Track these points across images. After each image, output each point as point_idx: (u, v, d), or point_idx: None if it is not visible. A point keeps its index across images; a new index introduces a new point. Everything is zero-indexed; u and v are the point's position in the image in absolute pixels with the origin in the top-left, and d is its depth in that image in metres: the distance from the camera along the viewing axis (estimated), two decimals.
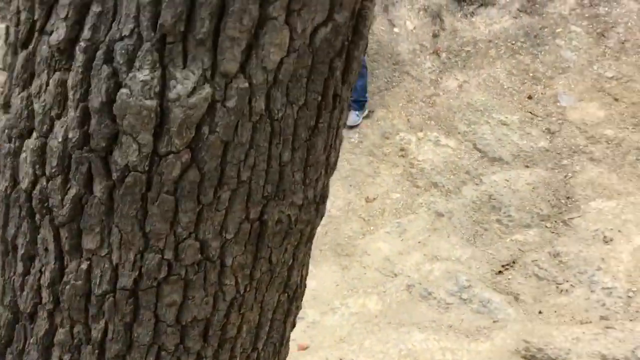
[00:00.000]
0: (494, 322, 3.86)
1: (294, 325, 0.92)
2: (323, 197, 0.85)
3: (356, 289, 4.27)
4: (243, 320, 0.77)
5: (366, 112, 5.37)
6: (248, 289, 0.77)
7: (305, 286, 0.92)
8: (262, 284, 0.79)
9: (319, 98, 0.74)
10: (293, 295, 0.86)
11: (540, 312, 3.90)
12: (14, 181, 0.73)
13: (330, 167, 0.84)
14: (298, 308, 0.91)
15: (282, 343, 0.87)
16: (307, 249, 0.87)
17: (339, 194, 4.93)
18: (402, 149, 5.16)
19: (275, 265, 0.80)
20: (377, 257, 4.44)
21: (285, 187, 0.76)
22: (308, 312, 4.19)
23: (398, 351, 3.66)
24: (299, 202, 0.79)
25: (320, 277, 4.38)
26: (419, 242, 4.49)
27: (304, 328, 4.12)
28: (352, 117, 5.28)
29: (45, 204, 0.71)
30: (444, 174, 4.91)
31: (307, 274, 0.92)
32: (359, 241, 4.59)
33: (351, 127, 5.30)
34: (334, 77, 0.74)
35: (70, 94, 0.68)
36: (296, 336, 4.06)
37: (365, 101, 5.34)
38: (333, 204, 4.87)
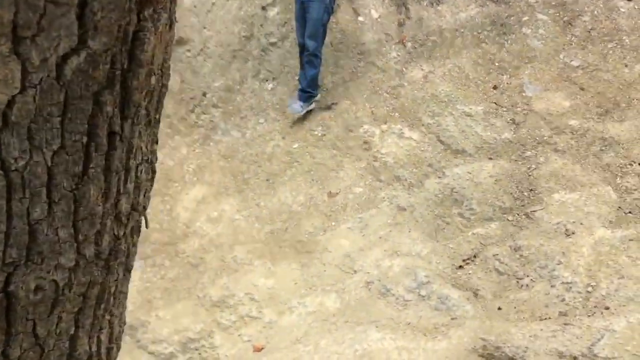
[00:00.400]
0: (452, 319, 3.80)
1: None
2: (116, 252, 0.72)
3: (315, 287, 4.18)
4: None
5: (312, 105, 5.22)
6: None
7: (112, 349, 0.80)
8: None
9: (84, 139, 0.63)
10: None
11: (499, 308, 3.83)
12: None
13: (124, 216, 0.71)
14: None
15: None
16: (103, 312, 0.74)
17: (301, 189, 4.83)
18: (365, 142, 5.05)
19: (46, 337, 0.69)
20: (337, 254, 4.35)
21: (43, 249, 0.63)
22: (265, 312, 4.11)
23: (353, 351, 3.58)
24: (69, 263, 0.67)
25: (279, 276, 4.29)
26: (380, 238, 4.41)
27: (260, 329, 4.04)
28: (295, 106, 5.13)
29: None
30: (407, 167, 4.81)
31: (114, 337, 0.80)
32: (320, 237, 4.49)
33: (302, 120, 5.17)
34: (103, 114, 0.63)
35: None
36: (252, 337, 3.97)
37: (313, 94, 5.17)
38: (295, 200, 4.77)
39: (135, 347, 4.11)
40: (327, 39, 5.51)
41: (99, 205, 0.65)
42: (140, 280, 4.41)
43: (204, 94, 5.39)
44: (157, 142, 0.76)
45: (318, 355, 3.62)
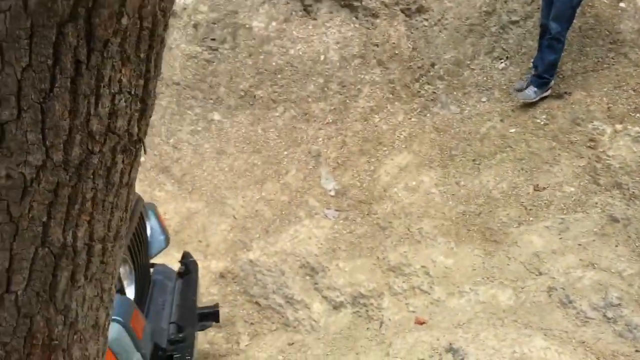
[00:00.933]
0: (637, 351, 3.35)
1: (73, 282, 0.91)
2: (87, 164, 0.84)
3: (493, 278, 4.01)
4: None
5: (547, 92, 4.84)
6: None
7: (92, 247, 0.91)
8: (1, 233, 0.83)
9: (49, 62, 0.75)
10: (62, 252, 0.87)
11: None
12: None
13: (98, 135, 0.82)
14: (76, 266, 0.89)
15: (51, 288, 0.89)
16: (78, 212, 0.86)
17: (506, 176, 4.60)
18: (592, 140, 4.59)
19: (19, 218, 0.83)
20: (526, 251, 4.10)
21: (11, 145, 0.77)
22: (435, 289, 4.08)
23: (511, 352, 3.40)
24: (37, 162, 0.80)
25: (459, 258, 4.20)
26: (579, 245, 4.02)
27: (426, 303, 4.04)
28: (528, 92, 4.81)
29: None
30: (633, 175, 4.27)
31: (95, 238, 0.91)
32: (512, 230, 4.26)
33: (528, 104, 4.85)
34: (66, 43, 0.74)
35: None
36: (417, 309, 4.00)
37: (549, 80, 4.80)
38: (496, 185, 4.57)
39: (311, 287, 4.43)
40: (577, 23, 5.05)
41: (65, 120, 0.78)
42: (330, 229, 4.69)
43: (432, 65, 5.38)
44: (148, 79, 0.86)
45: (474, 344, 3.51)
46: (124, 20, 0.78)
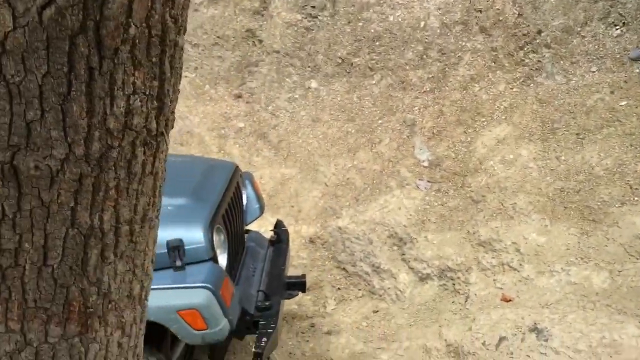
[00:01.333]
0: None
1: (103, 258, 1.00)
2: (107, 157, 0.92)
3: (587, 259, 3.83)
4: (22, 239, 0.93)
5: None
6: (19, 216, 0.92)
7: (120, 229, 0.99)
8: (35, 215, 0.93)
9: (65, 69, 0.83)
10: (91, 233, 0.97)
11: None
12: None
13: (116, 131, 0.90)
14: (104, 245, 0.99)
15: (83, 263, 0.98)
16: (102, 198, 0.94)
17: (612, 152, 4.32)
18: None
19: (50, 203, 0.92)
20: (627, 232, 3.86)
21: (37, 141, 0.87)
22: (525, 267, 3.97)
23: (600, 337, 3.26)
24: (61, 156, 0.89)
25: (553, 236, 4.04)
26: None
27: (515, 281, 3.94)
28: None
29: None
30: None
31: (122, 220, 0.99)
32: (614, 209, 4.02)
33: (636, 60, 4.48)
34: (78, 52, 0.82)
35: None
36: (505, 286, 3.92)
37: None
38: (600, 162, 4.31)
39: (398, 258, 4.45)
40: None
41: (83, 119, 0.87)
42: (421, 201, 4.66)
43: (539, 32, 5.09)
44: (163, 80, 0.92)
45: (560, 326, 3.40)
46: (132, 30, 0.85)
